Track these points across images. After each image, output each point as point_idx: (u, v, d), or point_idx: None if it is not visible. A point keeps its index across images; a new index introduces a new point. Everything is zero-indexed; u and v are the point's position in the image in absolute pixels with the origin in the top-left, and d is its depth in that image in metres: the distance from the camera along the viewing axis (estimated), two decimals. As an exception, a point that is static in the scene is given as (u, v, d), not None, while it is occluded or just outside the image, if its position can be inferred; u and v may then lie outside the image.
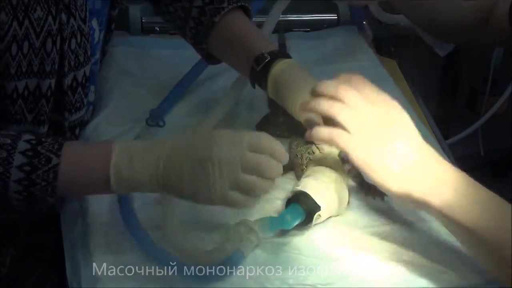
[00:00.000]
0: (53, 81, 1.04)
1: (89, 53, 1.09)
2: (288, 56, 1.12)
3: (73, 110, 1.10)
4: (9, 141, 0.91)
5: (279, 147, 0.93)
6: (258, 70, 1.11)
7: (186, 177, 0.90)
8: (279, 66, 1.09)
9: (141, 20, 1.54)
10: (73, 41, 1.05)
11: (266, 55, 1.11)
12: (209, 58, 1.23)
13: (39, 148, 0.91)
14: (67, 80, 1.06)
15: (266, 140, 0.93)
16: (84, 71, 1.09)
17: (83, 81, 1.10)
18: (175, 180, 0.91)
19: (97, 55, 1.18)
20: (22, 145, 0.91)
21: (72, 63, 1.06)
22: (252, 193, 0.92)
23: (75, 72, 1.07)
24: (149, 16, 1.54)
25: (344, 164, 1.08)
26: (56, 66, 1.03)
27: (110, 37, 1.23)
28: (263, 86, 1.12)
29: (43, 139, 0.92)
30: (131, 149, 0.92)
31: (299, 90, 1.07)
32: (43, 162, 0.90)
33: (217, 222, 1.01)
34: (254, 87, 1.15)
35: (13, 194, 0.90)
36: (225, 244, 0.93)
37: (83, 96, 1.11)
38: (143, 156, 0.92)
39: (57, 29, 1.01)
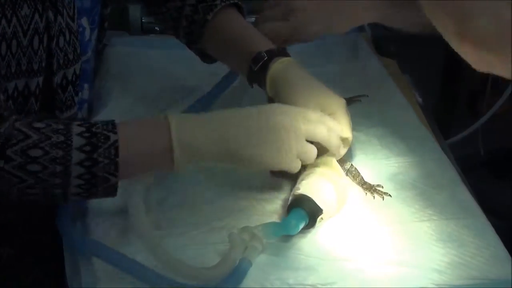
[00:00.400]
0: (40, 79, 1.03)
1: (78, 51, 1.09)
2: (286, 55, 1.12)
3: (64, 109, 1.10)
4: (62, 126, 0.92)
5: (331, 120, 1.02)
6: (256, 70, 1.10)
7: (254, 141, 0.96)
8: (278, 65, 1.09)
9: (141, 20, 1.54)
10: (61, 39, 1.05)
11: (263, 54, 1.10)
12: (205, 57, 1.22)
13: (93, 129, 0.92)
14: (57, 79, 1.06)
15: (318, 113, 1.02)
16: (74, 69, 1.09)
17: (73, 79, 1.09)
18: (239, 145, 0.96)
19: (89, 53, 1.17)
20: (76, 128, 0.92)
21: (61, 61, 1.06)
22: (309, 161, 1.00)
23: (65, 70, 1.07)
24: (149, 16, 1.54)
25: (343, 164, 1.08)
26: (44, 64, 1.03)
27: (103, 35, 1.23)
28: (262, 85, 1.12)
29: (93, 122, 0.94)
30: (189, 118, 0.97)
31: (299, 89, 1.07)
32: (102, 140, 0.91)
33: (218, 228, 1.01)
34: (252, 86, 1.14)
35: (75, 180, 0.90)
36: (230, 254, 0.92)
37: (73, 94, 1.10)
38: (203, 123, 0.96)
39: (44, 27, 1.01)
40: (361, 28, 1.56)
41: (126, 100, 1.28)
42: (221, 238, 0.98)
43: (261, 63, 1.10)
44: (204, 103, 1.23)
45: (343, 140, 1.06)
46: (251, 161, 0.97)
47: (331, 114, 1.07)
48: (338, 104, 1.08)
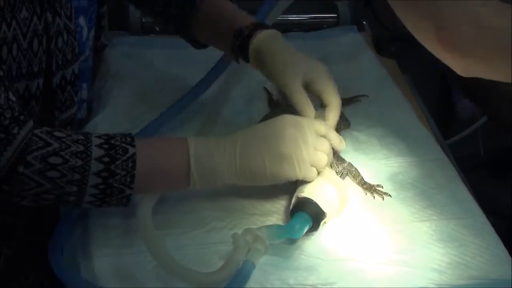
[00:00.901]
0: (41, 81, 1.03)
1: (76, 51, 1.09)
2: (268, 27, 1.12)
3: (63, 109, 1.10)
4: (81, 137, 0.93)
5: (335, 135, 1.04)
6: (238, 45, 1.10)
7: (267, 158, 0.97)
8: (260, 37, 1.09)
9: (141, 20, 1.54)
10: (60, 39, 1.05)
11: (244, 28, 1.10)
12: (195, 43, 1.22)
13: (112, 141, 0.93)
14: (56, 79, 1.06)
15: (324, 126, 1.03)
16: (73, 69, 1.09)
17: (72, 79, 1.10)
18: (255, 162, 0.97)
19: (87, 52, 1.17)
20: (95, 140, 0.93)
21: (60, 62, 1.06)
22: (321, 168, 1.01)
23: (64, 70, 1.07)
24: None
25: (341, 163, 1.08)
26: (44, 66, 1.03)
27: (100, 33, 1.23)
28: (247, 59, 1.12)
29: (111, 134, 0.95)
30: (205, 141, 0.98)
31: (283, 58, 1.07)
32: (120, 153, 0.93)
33: (218, 228, 1.01)
34: (238, 62, 1.14)
35: (90, 189, 0.92)
36: (234, 256, 0.92)
37: (73, 94, 1.11)
38: (218, 146, 0.97)
39: (43, 29, 1.01)
40: (361, 28, 1.57)
41: (126, 100, 1.28)
42: (221, 238, 0.98)
43: (242, 37, 1.09)
44: (196, 94, 1.23)
45: (333, 105, 1.08)
46: (266, 176, 0.98)
47: (315, 78, 1.08)
48: (321, 69, 1.09)
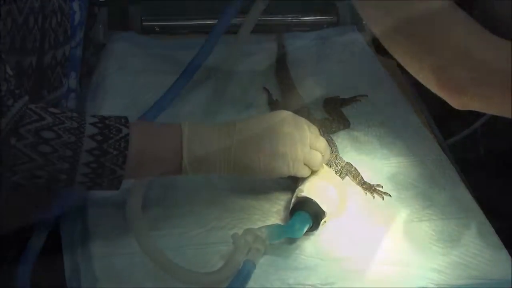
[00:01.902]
0: (34, 59, 1.03)
1: (69, 33, 1.09)
2: None
3: (51, 89, 1.10)
4: (76, 115, 0.93)
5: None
6: None
7: (262, 151, 0.97)
8: None
9: (141, 20, 1.54)
10: (54, 19, 1.05)
11: None
12: None
13: (106, 121, 0.93)
14: (47, 58, 1.06)
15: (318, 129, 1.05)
16: (64, 50, 1.09)
17: (62, 61, 1.10)
18: (250, 157, 0.97)
19: (77, 38, 1.17)
20: (90, 119, 0.93)
21: (52, 42, 1.06)
22: (315, 167, 1.02)
23: (54, 51, 1.07)
24: (149, 16, 1.54)
25: (341, 164, 1.08)
26: (38, 44, 1.03)
27: (93, 23, 1.23)
28: None
29: (106, 115, 0.95)
30: (200, 128, 0.97)
31: None
32: (114, 132, 0.92)
33: (218, 228, 1.01)
34: None
35: (82, 167, 0.91)
36: (234, 256, 0.92)
37: (61, 75, 1.11)
38: (212, 134, 0.97)
39: (39, 6, 1.01)
40: (361, 28, 1.57)
41: (124, 99, 1.28)
42: (221, 238, 0.98)
43: None
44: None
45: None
46: (259, 171, 0.98)
47: None
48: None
